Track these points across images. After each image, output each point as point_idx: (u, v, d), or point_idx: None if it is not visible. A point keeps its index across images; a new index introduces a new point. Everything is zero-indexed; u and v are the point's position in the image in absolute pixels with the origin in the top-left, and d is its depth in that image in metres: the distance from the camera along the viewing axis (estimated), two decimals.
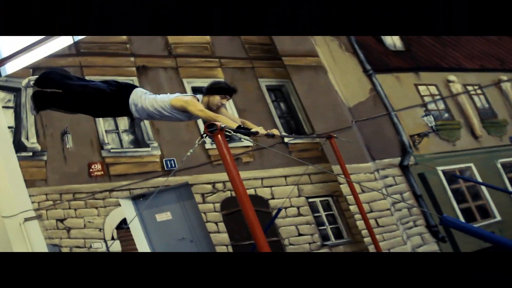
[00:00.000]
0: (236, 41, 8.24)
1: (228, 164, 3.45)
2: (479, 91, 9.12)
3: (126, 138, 8.35)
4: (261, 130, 4.05)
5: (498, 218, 8.19)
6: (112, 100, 4.35)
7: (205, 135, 3.57)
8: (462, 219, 8.04)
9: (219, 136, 3.49)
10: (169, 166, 7.98)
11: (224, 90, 4.44)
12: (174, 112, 4.29)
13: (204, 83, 8.03)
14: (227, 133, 3.59)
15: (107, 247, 8.22)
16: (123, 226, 8.15)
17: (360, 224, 7.24)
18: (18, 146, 9.60)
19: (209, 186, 7.51)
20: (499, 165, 8.59)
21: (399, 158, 8.17)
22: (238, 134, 3.83)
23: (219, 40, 8.53)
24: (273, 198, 7.51)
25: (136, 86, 4.64)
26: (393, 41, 8.96)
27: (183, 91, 8.24)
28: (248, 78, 8.17)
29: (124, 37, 8.72)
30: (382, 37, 8.70)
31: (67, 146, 8.56)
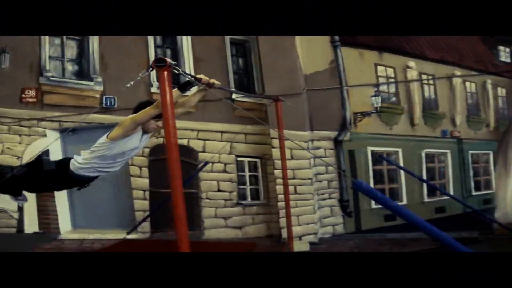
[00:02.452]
0: None
1: (166, 104, 3.27)
2: (431, 82, 9.48)
3: (70, 68, 7.93)
4: (204, 77, 3.84)
5: (405, 202, 9.16)
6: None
7: (151, 68, 3.33)
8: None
9: (165, 73, 3.26)
10: (108, 104, 7.78)
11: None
12: (115, 145, 3.81)
13: None
14: (175, 70, 3.36)
15: None
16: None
17: (279, 189, 7.72)
18: None
19: None
20: (423, 154, 9.36)
21: (336, 132, 8.64)
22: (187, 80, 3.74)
23: None
24: (203, 152, 7.82)
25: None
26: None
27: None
28: None
29: None
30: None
31: (2, 66, 7.88)
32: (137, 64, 7.35)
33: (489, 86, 9.82)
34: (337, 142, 8.64)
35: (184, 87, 3.86)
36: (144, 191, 7.69)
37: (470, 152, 9.72)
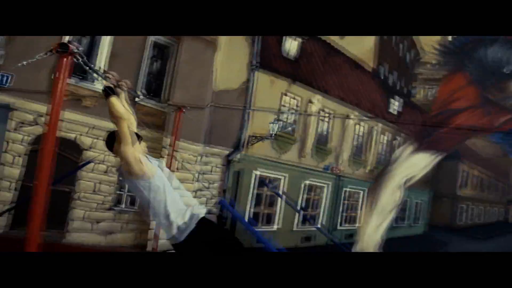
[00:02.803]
0: None
1: (56, 91, 3.08)
2: (326, 119, 9.87)
3: None
4: (113, 74, 3.47)
5: (276, 227, 9.51)
6: None
7: (51, 52, 3.12)
8: (246, 218, 9.08)
9: (65, 59, 3.07)
10: (2, 82, 6.75)
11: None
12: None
13: None
14: (76, 60, 3.16)
15: None
16: None
17: None
18: None
19: (31, 117, 6.75)
20: (303, 185, 9.77)
21: (229, 151, 8.60)
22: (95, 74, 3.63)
23: None
24: (90, 149, 7.24)
25: None
26: (289, 48, 8.94)
27: None
28: None
29: None
30: (284, 41, 8.69)
31: None
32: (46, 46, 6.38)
33: (375, 132, 10.52)
34: (227, 161, 8.61)
35: (108, 91, 3.38)
36: (11, 182, 6.85)
37: (345, 188, 10.38)
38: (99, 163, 7.25)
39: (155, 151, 7.85)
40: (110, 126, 7.29)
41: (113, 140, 3.40)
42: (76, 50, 3.08)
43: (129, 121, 3.50)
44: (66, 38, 6.84)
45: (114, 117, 3.31)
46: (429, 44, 9.93)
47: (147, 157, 3.45)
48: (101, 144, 7.20)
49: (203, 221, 3.45)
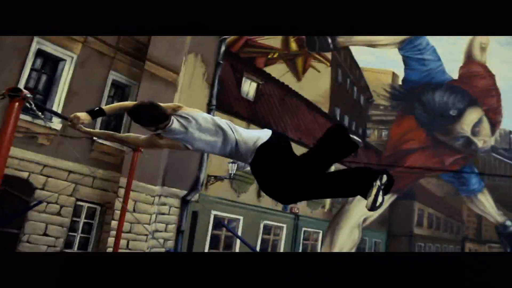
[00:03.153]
0: None
1: (6, 132, 3.05)
2: None
3: None
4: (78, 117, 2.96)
5: None
6: None
7: (2, 96, 3.07)
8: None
9: (16, 104, 3.04)
10: None
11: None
12: None
13: (55, 51, 6.96)
14: (28, 104, 3.10)
15: None
16: None
17: (111, 241, 7.30)
18: None
19: None
20: (262, 225, 9.76)
21: (186, 192, 8.55)
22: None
23: None
24: (42, 189, 7.05)
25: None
26: (247, 90, 9.17)
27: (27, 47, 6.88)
28: (102, 65, 7.32)
29: None
30: (242, 83, 8.95)
31: None
32: (3, 82, 6.25)
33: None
34: (185, 201, 8.54)
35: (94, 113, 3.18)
36: None
37: (304, 229, 10.44)
38: (51, 203, 7.04)
39: (111, 192, 7.73)
40: (65, 165, 7.21)
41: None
42: (28, 96, 3.05)
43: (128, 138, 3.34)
44: (34, 43, 6.78)
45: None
46: (380, 87, 10.39)
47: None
48: (54, 183, 7.02)
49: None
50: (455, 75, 10.51)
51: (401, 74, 10.42)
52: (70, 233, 7.41)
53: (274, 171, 2.90)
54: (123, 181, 7.33)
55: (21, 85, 6.63)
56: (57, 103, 7.02)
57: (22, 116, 3.08)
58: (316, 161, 2.98)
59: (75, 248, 7.45)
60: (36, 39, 6.88)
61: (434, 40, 10.30)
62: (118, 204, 7.33)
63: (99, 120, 7.53)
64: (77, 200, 7.39)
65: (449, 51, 10.43)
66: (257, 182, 3.01)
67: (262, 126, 9.34)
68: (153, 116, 2.92)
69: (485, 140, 10.92)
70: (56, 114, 6.72)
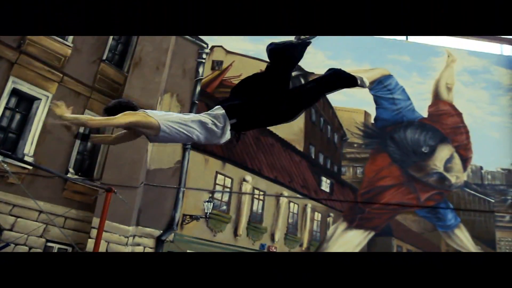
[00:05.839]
0: (92, 68, 7.51)
1: None
2: (261, 197, 10.07)
3: None
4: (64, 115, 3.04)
5: None
6: None
7: None
8: None
9: None
10: None
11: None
12: None
13: (30, 90, 7.06)
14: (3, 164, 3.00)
15: None
16: None
17: None
18: None
19: None
20: None
21: (161, 231, 8.49)
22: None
23: (77, 57, 7.62)
24: (11, 230, 6.96)
25: None
26: None
27: (2, 86, 6.97)
28: (77, 104, 7.47)
29: None
30: None
31: None
32: None
33: (309, 210, 10.77)
34: (159, 241, 8.47)
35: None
36: None
37: None
38: (19, 245, 6.93)
39: (83, 233, 7.65)
40: (33, 205, 7.14)
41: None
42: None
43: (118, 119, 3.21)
44: (9, 82, 6.82)
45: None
46: (353, 125, 10.63)
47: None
48: (23, 224, 6.93)
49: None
50: (424, 114, 10.84)
51: (373, 113, 10.70)
52: None
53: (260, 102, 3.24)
54: (96, 221, 7.29)
55: None
56: (30, 142, 7.04)
57: None
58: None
59: None
60: (11, 78, 6.97)
61: (402, 81, 10.68)
62: (90, 244, 7.27)
63: (72, 161, 7.54)
64: (47, 241, 7.29)
65: (417, 91, 10.81)
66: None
67: (237, 165, 9.44)
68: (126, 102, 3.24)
69: (458, 176, 11.14)
70: (20, 160, 6.73)
